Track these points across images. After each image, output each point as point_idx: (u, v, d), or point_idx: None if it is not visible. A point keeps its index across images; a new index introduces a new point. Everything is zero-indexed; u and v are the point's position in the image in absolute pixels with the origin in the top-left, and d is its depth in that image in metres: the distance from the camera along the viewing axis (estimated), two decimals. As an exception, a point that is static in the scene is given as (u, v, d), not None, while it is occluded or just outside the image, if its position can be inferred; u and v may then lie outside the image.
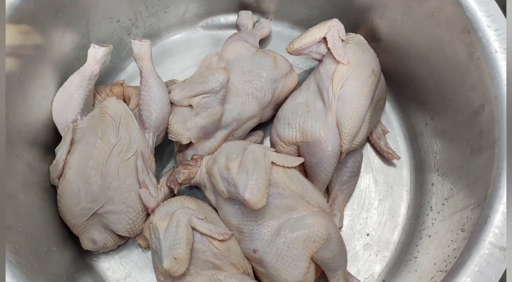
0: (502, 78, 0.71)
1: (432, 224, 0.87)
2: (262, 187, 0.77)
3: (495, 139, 0.71)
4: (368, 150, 1.03)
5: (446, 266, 0.70)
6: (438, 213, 0.87)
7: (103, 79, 1.05)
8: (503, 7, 0.75)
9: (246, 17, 1.10)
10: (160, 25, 1.09)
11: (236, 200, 0.82)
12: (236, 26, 1.12)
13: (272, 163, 0.83)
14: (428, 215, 0.90)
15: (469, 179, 0.78)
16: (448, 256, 0.72)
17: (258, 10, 1.11)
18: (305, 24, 1.08)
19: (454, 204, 0.81)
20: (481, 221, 0.67)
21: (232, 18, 1.12)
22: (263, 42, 1.10)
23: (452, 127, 0.86)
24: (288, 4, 1.07)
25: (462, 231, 0.72)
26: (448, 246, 0.74)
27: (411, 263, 0.86)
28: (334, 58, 0.89)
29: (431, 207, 0.91)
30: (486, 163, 0.72)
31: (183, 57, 1.11)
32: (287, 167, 0.85)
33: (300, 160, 0.87)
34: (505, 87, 0.70)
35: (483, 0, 0.75)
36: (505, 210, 0.65)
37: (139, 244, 0.93)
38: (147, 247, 0.93)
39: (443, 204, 0.86)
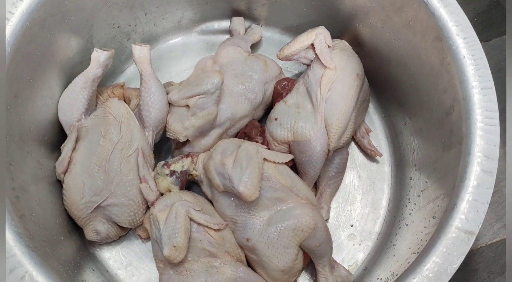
0: (469, 82, 0.78)
1: (410, 214, 0.94)
2: (255, 180, 0.83)
3: (463, 136, 0.77)
4: (352, 148, 1.08)
5: (418, 248, 0.77)
6: (415, 204, 0.93)
7: (104, 81, 1.08)
8: (471, 19, 0.83)
9: (239, 23, 1.15)
10: (158, 30, 1.13)
11: (231, 193, 0.88)
12: (229, 31, 1.16)
13: (264, 159, 0.88)
14: (406, 206, 0.97)
15: (441, 172, 0.84)
16: (421, 240, 0.78)
17: (249, 16, 1.15)
18: (294, 30, 1.14)
19: (428, 195, 0.87)
20: (449, 208, 0.74)
21: (225, 24, 1.17)
22: (254, 46, 1.15)
23: (427, 126, 0.92)
24: (278, 12, 1.12)
25: (434, 218, 0.79)
26: (422, 232, 0.81)
27: (390, 250, 0.92)
28: (322, 63, 0.94)
29: (409, 199, 0.97)
30: (455, 158, 0.78)
31: (179, 60, 1.15)
32: (278, 163, 0.91)
33: (289, 157, 0.93)
34: (472, 89, 0.78)
35: (453, 11, 0.82)
36: (470, 199, 0.73)
37: (139, 235, 0.97)
38: (147, 238, 0.98)
39: (419, 196, 0.92)
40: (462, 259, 0.70)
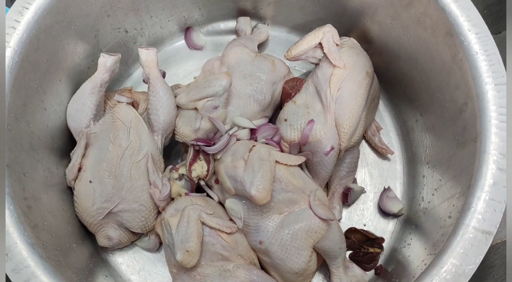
0: (482, 78, 0.77)
1: (424, 213, 0.92)
2: (267, 184, 0.82)
3: (477, 134, 0.76)
4: (363, 146, 1.07)
5: (435, 249, 0.76)
6: (429, 202, 0.92)
7: (112, 85, 1.09)
8: (481, 11, 0.81)
9: (245, 23, 1.14)
10: (164, 33, 1.13)
11: (242, 196, 0.87)
12: (236, 31, 1.16)
13: (276, 161, 0.87)
14: (420, 205, 0.96)
15: (455, 170, 0.83)
16: (437, 240, 0.77)
17: (255, 16, 1.15)
18: (301, 28, 1.13)
19: (442, 193, 0.86)
20: (465, 208, 0.73)
21: (231, 24, 1.16)
22: (261, 46, 1.14)
23: (439, 123, 0.91)
24: (284, 10, 1.11)
25: (449, 218, 0.78)
26: (437, 232, 0.80)
27: (405, 250, 0.92)
28: (330, 62, 0.93)
29: (422, 197, 0.96)
30: (470, 156, 0.77)
31: (186, 62, 1.15)
32: (290, 165, 0.89)
33: (302, 159, 0.92)
34: (486, 86, 0.76)
35: (464, 6, 0.80)
36: (487, 198, 0.71)
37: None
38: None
39: (433, 194, 0.91)
40: (481, 259, 0.69)
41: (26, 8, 0.81)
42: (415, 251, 0.86)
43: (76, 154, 0.92)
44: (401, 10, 0.91)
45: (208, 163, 0.93)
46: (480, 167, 0.73)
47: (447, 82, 0.85)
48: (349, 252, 0.98)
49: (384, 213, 1.02)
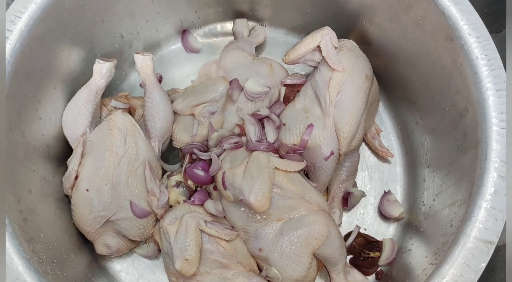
0: (483, 84, 0.75)
1: (425, 218, 0.91)
2: (266, 191, 0.81)
3: (478, 140, 0.75)
4: (363, 149, 1.06)
5: (436, 259, 0.75)
6: (430, 207, 0.91)
7: (108, 90, 1.04)
8: (481, 9, 0.80)
9: (242, 25, 1.12)
10: (160, 36, 1.12)
11: (241, 203, 0.86)
12: (233, 33, 1.14)
13: (276, 168, 0.86)
14: (421, 209, 0.95)
15: (456, 176, 0.82)
16: (438, 249, 0.76)
17: (253, 17, 1.13)
18: (299, 30, 1.12)
19: (444, 199, 0.85)
20: (466, 217, 0.72)
21: (228, 26, 1.15)
22: (259, 48, 1.13)
23: (440, 126, 0.90)
24: (282, 12, 1.10)
25: (450, 226, 0.77)
26: (438, 240, 0.79)
27: (405, 255, 0.91)
28: (329, 65, 0.91)
29: (423, 202, 0.95)
30: (471, 162, 0.76)
31: (183, 66, 1.13)
32: (289, 172, 0.88)
33: (301, 165, 0.91)
34: (487, 91, 0.75)
35: (465, 9, 0.79)
36: (488, 206, 0.70)
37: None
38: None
39: (434, 199, 0.90)
40: (482, 270, 0.68)
41: (19, 17, 0.79)
42: (416, 258, 0.86)
43: (73, 162, 0.91)
44: (400, 12, 0.89)
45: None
46: (481, 174, 0.72)
47: (448, 87, 0.84)
48: (349, 256, 0.98)
49: (384, 217, 1.01)
